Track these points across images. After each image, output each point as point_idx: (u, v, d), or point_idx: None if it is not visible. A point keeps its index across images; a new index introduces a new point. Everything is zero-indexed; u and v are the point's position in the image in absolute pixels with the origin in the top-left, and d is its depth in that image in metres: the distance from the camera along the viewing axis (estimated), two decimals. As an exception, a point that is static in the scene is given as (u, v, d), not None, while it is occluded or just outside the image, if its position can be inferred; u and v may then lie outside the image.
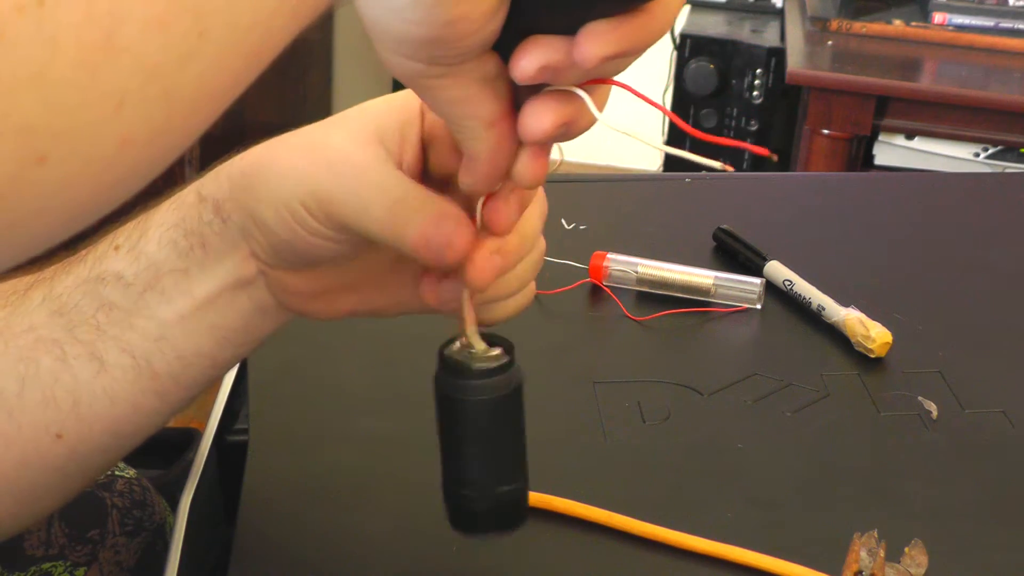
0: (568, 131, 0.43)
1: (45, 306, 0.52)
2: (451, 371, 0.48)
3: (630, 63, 0.41)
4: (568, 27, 0.39)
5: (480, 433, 0.49)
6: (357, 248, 0.49)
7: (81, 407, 0.51)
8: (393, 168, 0.48)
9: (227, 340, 0.52)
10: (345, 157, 0.48)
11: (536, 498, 0.65)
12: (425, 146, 0.51)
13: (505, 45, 0.40)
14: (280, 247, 0.49)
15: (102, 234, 0.53)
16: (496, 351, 0.49)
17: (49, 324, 0.51)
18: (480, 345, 0.48)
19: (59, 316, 0.51)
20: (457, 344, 0.49)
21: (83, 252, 0.53)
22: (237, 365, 0.81)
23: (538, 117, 0.42)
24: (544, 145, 0.44)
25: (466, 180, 0.45)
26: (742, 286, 0.86)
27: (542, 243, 0.53)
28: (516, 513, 0.51)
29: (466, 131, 0.43)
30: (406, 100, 0.50)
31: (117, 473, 0.80)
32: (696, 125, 2.30)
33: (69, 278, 0.52)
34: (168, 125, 0.31)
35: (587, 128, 0.43)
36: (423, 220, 0.46)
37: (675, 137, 2.32)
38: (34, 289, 0.53)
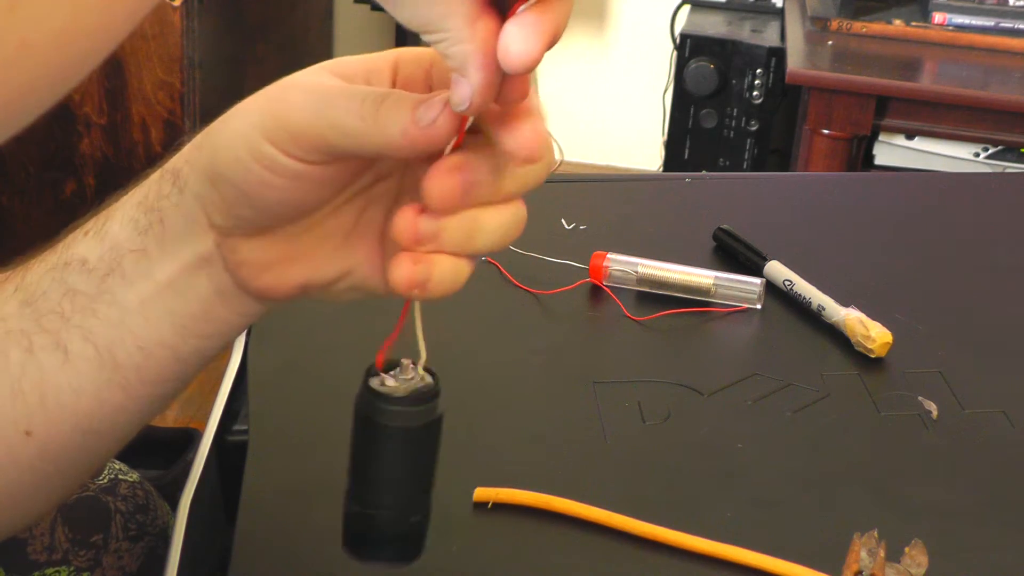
0: (556, 41, 0.39)
1: (16, 296, 0.51)
2: (377, 394, 0.47)
3: None
4: None
5: (396, 460, 0.48)
6: (312, 189, 0.46)
7: (48, 401, 0.50)
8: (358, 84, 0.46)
9: (187, 329, 0.50)
10: (307, 83, 0.45)
11: (536, 498, 0.65)
12: None
13: None
14: (235, 199, 0.47)
15: (80, 223, 0.52)
16: (422, 379, 0.48)
17: (19, 315, 0.50)
18: (407, 373, 0.48)
19: (27, 306, 0.50)
20: (384, 369, 0.48)
21: (57, 241, 0.52)
22: (236, 368, 0.81)
23: (525, 42, 0.38)
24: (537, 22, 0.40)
25: (461, 94, 0.41)
26: (742, 286, 0.86)
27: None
28: (413, 546, 0.51)
29: (451, 35, 0.39)
30: (374, 55, 0.48)
31: (120, 477, 0.80)
32: (696, 125, 2.30)
33: (40, 266, 0.51)
34: (74, 28, 0.30)
35: (563, 30, 0.40)
36: (408, 108, 0.43)
37: (676, 135, 2.32)
38: (8, 281, 0.52)
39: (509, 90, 0.41)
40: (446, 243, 0.44)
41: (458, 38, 0.39)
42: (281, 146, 0.44)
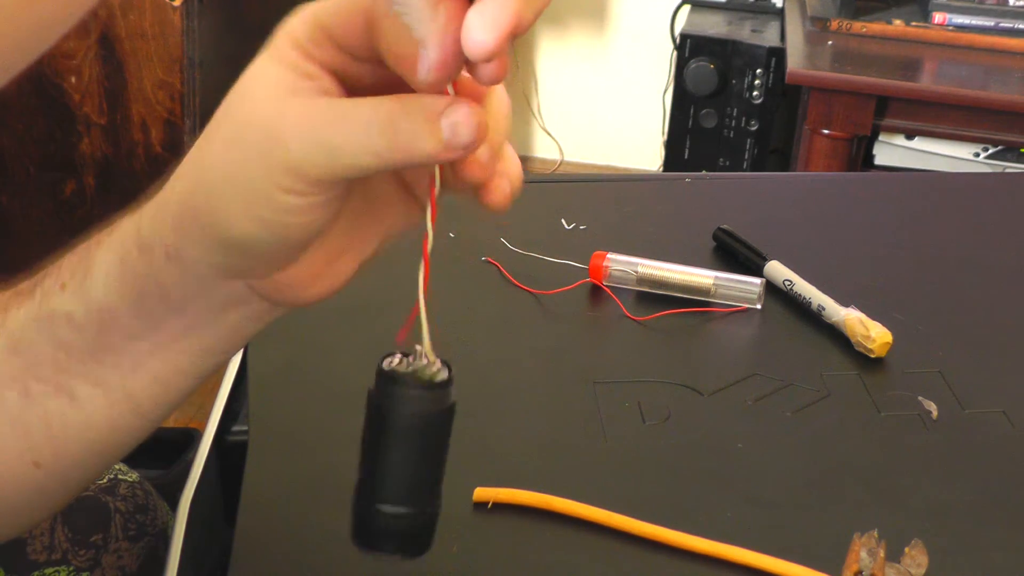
0: (519, 32, 0.39)
1: (0, 341, 0.49)
2: (390, 380, 0.47)
3: None
4: None
5: (409, 448, 0.48)
6: (339, 201, 0.44)
7: (54, 435, 0.49)
8: (337, 98, 0.43)
9: (210, 353, 0.49)
10: (297, 119, 0.42)
11: (536, 498, 0.65)
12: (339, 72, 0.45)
13: None
14: (272, 251, 0.44)
15: (48, 262, 0.49)
16: (436, 367, 0.48)
17: (7, 361, 0.49)
18: (421, 361, 0.48)
19: (15, 355, 0.49)
20: (397, 358, 0.48)
21: (31, 282, 0.49)
22: (236, 368, 0.81)
23: (483, 32, 0.38)
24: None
25: (421, 71, 0.40)
26: (742, 286, 0.86)
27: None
28: (423, 538, 0.50)
29: (413, 13, 0.39)
30: (297, 32, 0.43)
31: (120, 477, 0.80)
32: (696, 125, 2.30)
33: (20, 312, 0.49)
34: None
35: (537, 17, 0.39)
36: (426, 128, 0.41)
37: (676, 135, 2.32)
38: None
39: (482, 71, 0.41)
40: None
41: (419, 17, 0.39)
42: (303, 192, 0.42)
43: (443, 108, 0.41)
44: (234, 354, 0.51)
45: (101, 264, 0.47)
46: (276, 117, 0.42)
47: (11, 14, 0.30)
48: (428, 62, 0.40)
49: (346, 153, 0.41)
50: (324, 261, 0.47)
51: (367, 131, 0.41)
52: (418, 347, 0.48)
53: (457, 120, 0.41)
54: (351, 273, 0.48)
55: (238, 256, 0.44)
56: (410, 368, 0.47)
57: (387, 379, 0.47)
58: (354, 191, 0.47)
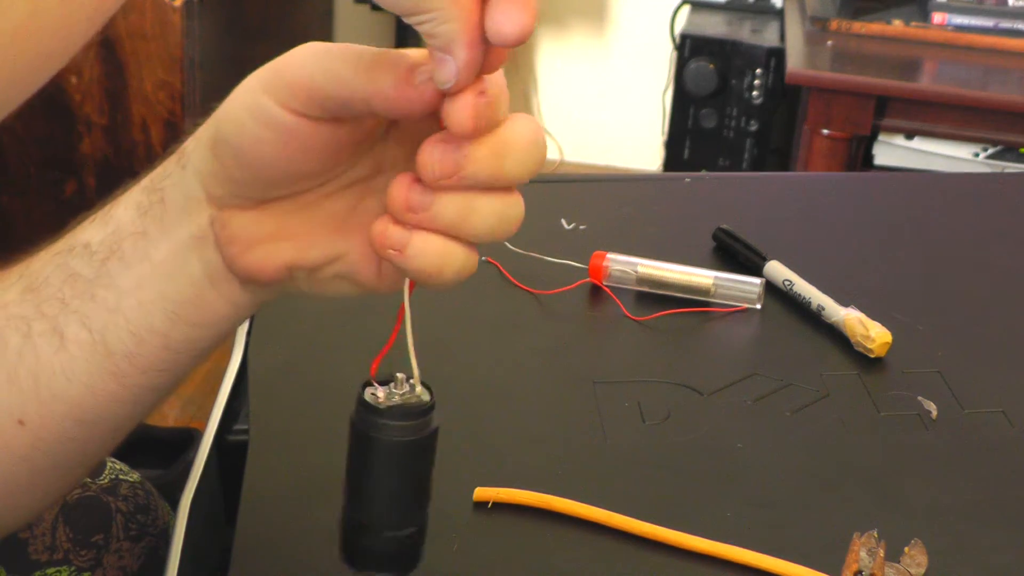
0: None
1: (19, 284, 0.51)
2: (371, 411, 0.47)
3: None
4: None
5: (388, 474, 0.48)
6: (303, 152, 0.46)
7: (40, 387, 0.50)
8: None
9: (178, 315, 0.50)
10: (311, 43, 0.46)
11: (536, 498, 0.65)
12: None
13: None
14: (231, 163, 0.47)
15: (89, 212, 0.52)
16: (417, 392, 0.48)
17: (21, 301, 0.51)
18: (403, 387, 0.48)
19: (31, 292, 0.51)
20: (378, 386, 0.48)
21: (66, 230, 0.52)
22: (236, 368, 0.81)
23: (517, 14, 0.39)
24: None
25: (448, 72, 0.41)
26: (742, 286, 0.86)
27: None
28: (412, 556, 0.51)
29: (437, 14, 0.40)
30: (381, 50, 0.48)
31: (121, 477, 0.80)
32: (696, 125, 2.30)
33: (45, 254, 0.51)
34: (33, 25, 0.30)
35: None
36: (403, 64, 0.43)
37: (676, 135, 2.32)
38: (13, 271, 0.52)
39: (490, 61, 0.42)
40: (437, 218, 0.44)
41: (444, 17, 0.40)
42: (276, 97, 0.45)
43: (421, 62, 0.43)
44: (203, 338, 0.52)
45: (133, 189, 0.51)
46: (298, 48, 0.46)
47: (8, 50, 0.30)
48: (458, 62, 0.41)
49: (333, 62, 0.44)
50: (269, 231, 0.48)
51: (359, 54, 0.44)
52: (399, 374, 0.47)
53: (426, 68, 0.43)
54: (282, 263, 0.49)
55: (213, 160, 0.47)
56: (391, 396, 0.47)
57: (369, 409, 0.47)
58: (335, 198, 0.49)
